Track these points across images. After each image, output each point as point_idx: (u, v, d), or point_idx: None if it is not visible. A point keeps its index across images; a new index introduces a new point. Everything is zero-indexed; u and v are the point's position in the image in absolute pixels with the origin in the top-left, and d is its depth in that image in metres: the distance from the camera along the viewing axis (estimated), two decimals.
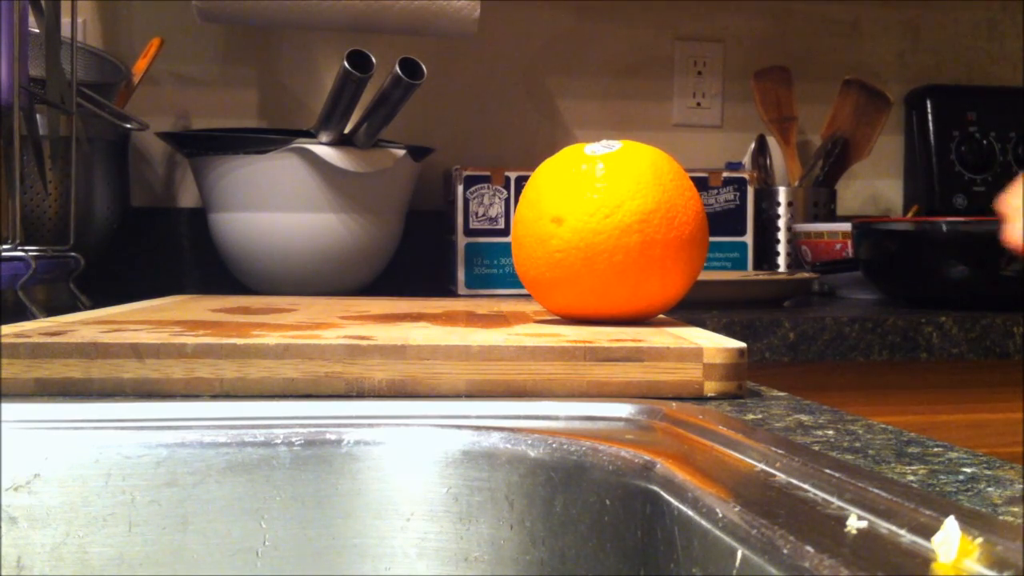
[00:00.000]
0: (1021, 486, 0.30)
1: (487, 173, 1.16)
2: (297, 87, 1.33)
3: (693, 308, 1.00)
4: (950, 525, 0.24)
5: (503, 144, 1.39)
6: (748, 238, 1.24)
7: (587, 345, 0.47)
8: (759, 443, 0.34)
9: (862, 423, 0.41)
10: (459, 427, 0.40)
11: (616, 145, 0.58)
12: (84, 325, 0.54)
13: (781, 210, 1.33)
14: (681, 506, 0.31)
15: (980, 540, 0.23)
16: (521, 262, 0.59)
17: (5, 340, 0.46)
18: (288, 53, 1.33)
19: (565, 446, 0.38)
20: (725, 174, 1.23)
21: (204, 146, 1.06)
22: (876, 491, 0.27)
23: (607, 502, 0.36)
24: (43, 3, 0.81)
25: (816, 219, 1.33)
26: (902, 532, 0.25)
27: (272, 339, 0.47)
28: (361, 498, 0.40)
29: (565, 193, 0.56)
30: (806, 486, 0.30)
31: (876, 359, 0.94)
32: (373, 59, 0.91)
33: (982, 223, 1.01)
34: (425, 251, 1.33)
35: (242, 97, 1.32)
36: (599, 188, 0.55)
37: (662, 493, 0.33)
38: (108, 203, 1.07)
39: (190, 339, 0.47)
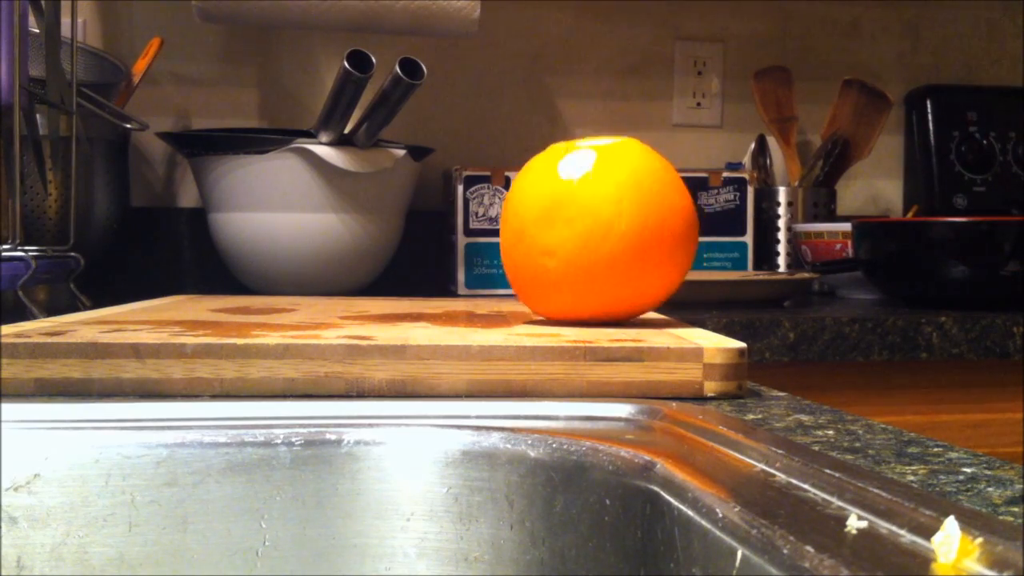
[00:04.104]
0: (1021, 486, 0.30)
1: (487, 173, 1.16)
2: (297, 87, 1.33)
3: (693, 308, 1.00)
4: (950, 525, 0.24)
5: (503, 144, 1.39)
6: (748, 238, 1.24)
7: (587, 345, 0.47)
8: (759, 443, 0.34)
9: (862, 423, 0.41)
10: (459, 427, 0.40)
11: (590, 159, 0.55)
12: (84, 325, 0.54)
13: (781, 210, 1.33)
14: (681, 506, 0.31)
15: (980, 540, 0.23)
16: (511, 278, 0.59)
17: (5, 340, 0.46)
18: (288, 53, 1.33)
19: (565, 446, 0.38)
20: (725, 174, 1.23)
21: (204, 146, 1.06)
22: (876, 491, 0.27)
23: (607, 502, 0.36)
24: (43, 3, 0.81)
25: (816, 219, 1.33)
26: (902, 532, 0.25)
27: (272, 339, 0.47)
28: (361, 498, 0.40)
29: (549, 225, 0.55)
30: (806, 486, 0.30)
31: (876, 359, 0.94)
32: (373, 59, 0.91)
33: (982, 223, 1.01)
34: (425, 251, 1.33)
35: (242, 97, 1.32)
36: (583, 214, 0.54)
37: (662, 493, 0.33)
38: (108, 203, 1.07)
39: (190, 339, 0.47)
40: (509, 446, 0.39)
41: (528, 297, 0.58)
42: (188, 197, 1.31)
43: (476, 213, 1.15)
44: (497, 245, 1.16)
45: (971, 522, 0.24)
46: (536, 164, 0.57)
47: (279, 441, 0.40)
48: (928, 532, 0.24)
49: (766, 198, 1.34)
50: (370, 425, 0.41)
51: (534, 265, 0.56)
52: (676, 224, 0.56)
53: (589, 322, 0.59)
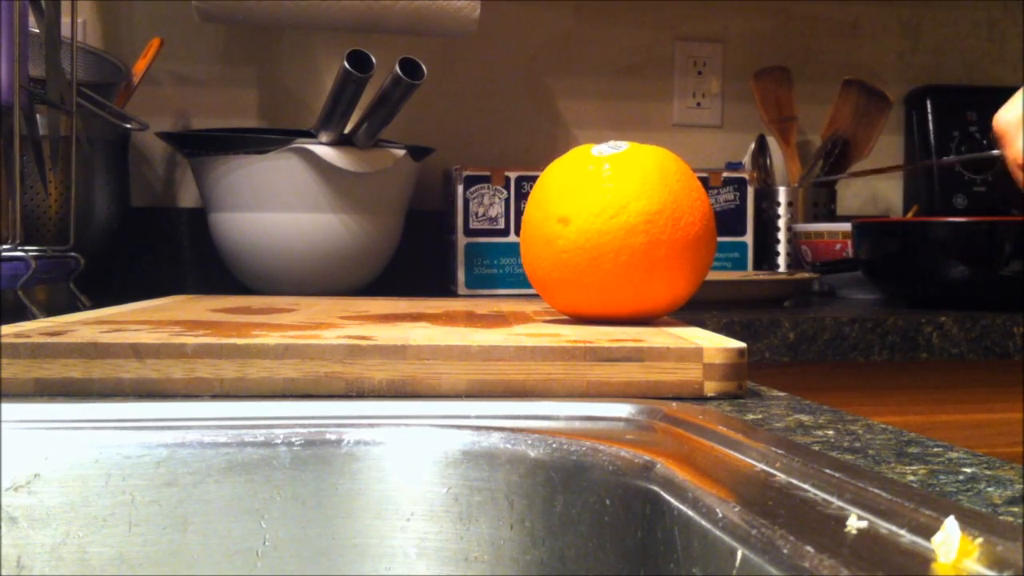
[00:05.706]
0: (1021, 486, 0.30)
1: (487, 173, 1.16)
2: (297, 87, 1.33)
3: (693, 308, 1.00)
4: (950, 525, 0.24)
5: (503, 144, 1.39)
6: (748, 238, 1.24)
7: (587, 345, 0.47)
8: (759, 443, 0.34)
9: (862, 423, 0.41)
10: (459, 427, 0.40)
11: (623, 146, 0.58)
12: (84, 325, 0.54)
13: (781, 210, 1.33)
14: (681, 506, 0.31)
15: (980, 540, 0.23)
16: (529, 262, 0.59)
17: (5, 340, 0.46)
18: (288, 53, 1.33)
19: (565, 446, 0.38)
20: (725, 174, 1.23)
21: (204, 146, 1.06)
22: (876, 491, 0.27)
23: (607, 502, 0.36)
24: (43, 3, 0.81)
25: (816, 219, 1.33)
26: (902, 532, 0.25)
27: (272, 339, 0.47)
28: (361, 498, 0.40)
29: (571, 194, 0.56)
30: (806, 486, 0.30)
31: (876, 359, 0.94)
32: (373, 59, 0.91)
33: (982, 223, 1.00)
34: (425, 251, 1.33)
35: (242, 97, 1.32)
36: (605, 189, 0.55)
37: (662, 493, 0.33)
38: (108, 203, 1.07)
39: (190, 339, 0.47)
40: (509, 446, 0.39)
41: (536, 268, 0.58)
42: (188, 197, 1.31)
43: (476, 213, 1.15)
44: (497, 245, 1.16)
45: (971, 522, 0.24)
46: (573, 150, 0.60)
47: (279, 441, 0.40)
48: (928, 532, 0.24)
49: (766, 198, 1.34)
50: (370, 425, 0.41)
51: (548, 232, 0.56)
52: (692, 219, 0.56)
53: (598, 319, 0.59)
